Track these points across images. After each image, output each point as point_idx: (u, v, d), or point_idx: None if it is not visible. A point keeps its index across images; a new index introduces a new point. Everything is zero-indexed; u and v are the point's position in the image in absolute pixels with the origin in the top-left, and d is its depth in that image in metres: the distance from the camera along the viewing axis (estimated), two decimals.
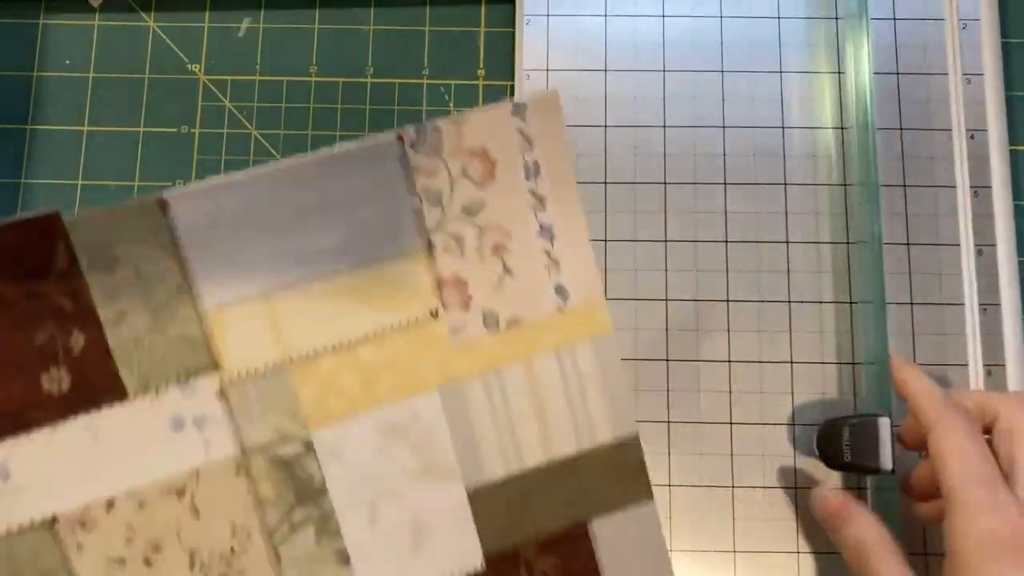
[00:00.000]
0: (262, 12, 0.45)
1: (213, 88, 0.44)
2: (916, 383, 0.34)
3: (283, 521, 0.30)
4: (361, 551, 0.31)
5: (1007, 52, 0.43)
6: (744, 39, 0.43)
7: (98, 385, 0.28)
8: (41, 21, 0.43)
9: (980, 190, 0.39)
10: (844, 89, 0.42)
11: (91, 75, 0.43)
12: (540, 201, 0.31)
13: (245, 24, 0.44)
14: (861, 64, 0.40)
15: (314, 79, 0.44)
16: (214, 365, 0.29)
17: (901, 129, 0.42)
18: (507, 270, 0.31)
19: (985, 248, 0.39)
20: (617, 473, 0.33)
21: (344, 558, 0.31)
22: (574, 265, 0.31)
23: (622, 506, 0.33)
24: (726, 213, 0.42)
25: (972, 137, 0.41)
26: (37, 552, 0.28)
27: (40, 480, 0.28)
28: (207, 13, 0.45)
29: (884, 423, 0.34)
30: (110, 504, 0.29)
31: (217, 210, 0.28)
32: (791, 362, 0.40)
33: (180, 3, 0.45)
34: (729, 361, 0.41)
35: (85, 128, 0.43)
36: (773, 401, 0.40)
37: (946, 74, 0.41)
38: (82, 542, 0.28)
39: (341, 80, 0.44)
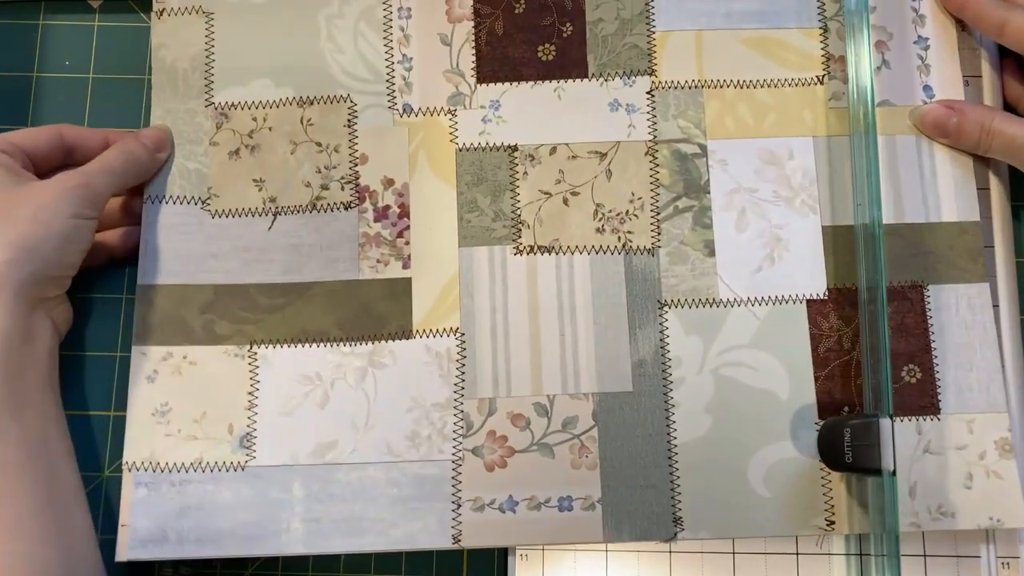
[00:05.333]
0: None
1: None
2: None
3: (670, 203, 0.37)
4: (726, 247, 0.37)
5: None
6: None
7: (571, 62, 0.38)
8: (41, 21, 0.42)
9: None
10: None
11: (91, 75, 0.42)
12: (920, 17, 0.38)
13: None
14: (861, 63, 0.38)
15: None
16: (651, 71, 0.38)
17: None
18: (885, 62, 0.38)
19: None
20: (956, 251, 0.36)
21: (711, 250, 0.37)
22: (943, 73, 0.38)
23: (957, 280, 0.36)
24: None
25: None
26: (499, 164, 0.37)
27: (516, 116, 0.38)
28: None
29: (884, 424, 0.33)
30: (553, 149, 0.37)
31: None
32: None
33: None
34: None
35: None
36: None
37: None
38: (527, 171, 0.37)
39: None
